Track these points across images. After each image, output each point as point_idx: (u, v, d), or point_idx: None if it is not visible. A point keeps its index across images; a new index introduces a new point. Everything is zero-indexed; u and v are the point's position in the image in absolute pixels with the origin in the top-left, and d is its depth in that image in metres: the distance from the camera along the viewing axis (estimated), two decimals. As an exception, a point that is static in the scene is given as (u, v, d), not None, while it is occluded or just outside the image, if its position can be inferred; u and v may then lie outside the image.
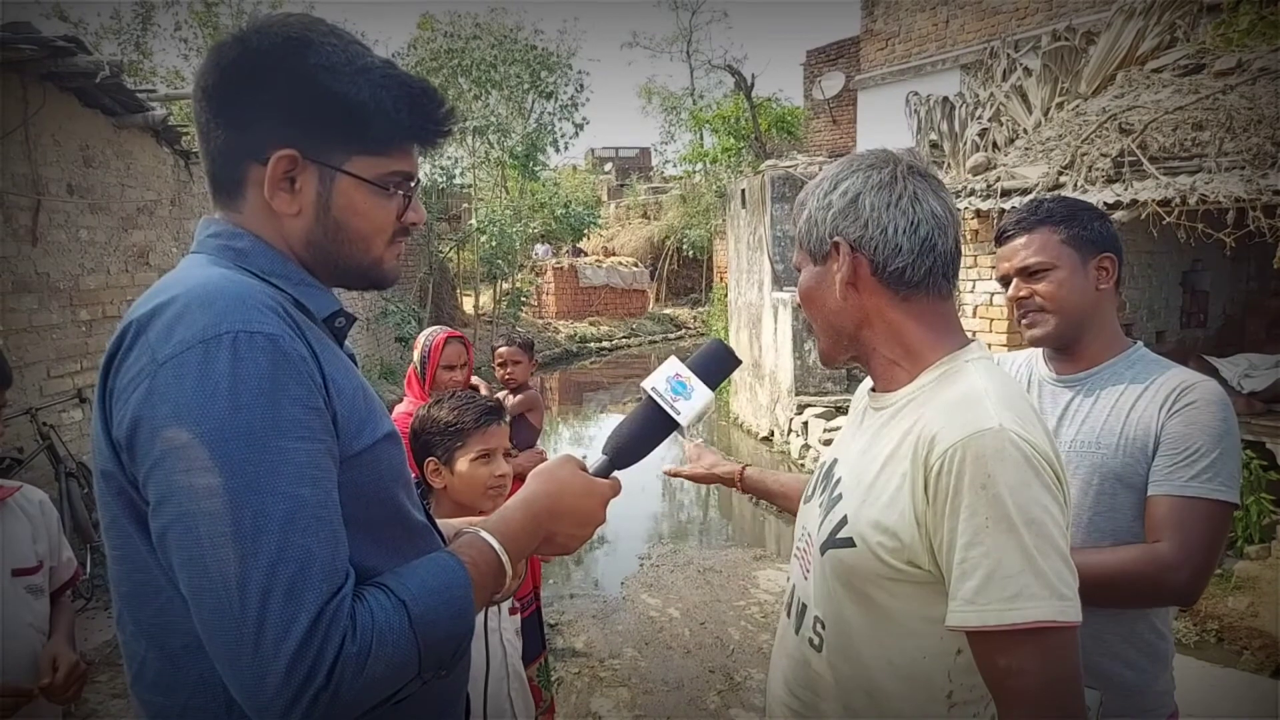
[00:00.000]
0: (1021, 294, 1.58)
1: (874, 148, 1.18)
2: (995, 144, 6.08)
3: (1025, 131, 6.08)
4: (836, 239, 1.10)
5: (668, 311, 22.02)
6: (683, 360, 1.15)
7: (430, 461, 1.90)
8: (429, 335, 3.15)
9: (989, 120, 6.19)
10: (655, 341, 19.40)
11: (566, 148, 16.98)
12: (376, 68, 0.94)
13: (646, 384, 1.13)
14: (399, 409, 3.00)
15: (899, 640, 1.06)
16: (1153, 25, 5.75)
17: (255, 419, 0.80)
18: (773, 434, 9.34)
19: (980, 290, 5.73)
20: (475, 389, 3.13)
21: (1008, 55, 6.47)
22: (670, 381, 1.11)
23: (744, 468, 1.81)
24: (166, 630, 0.89)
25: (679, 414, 1.10)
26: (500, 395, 3.49)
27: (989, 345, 4.98)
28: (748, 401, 10.38)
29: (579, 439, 11.07)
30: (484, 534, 0.98)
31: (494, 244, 14.38)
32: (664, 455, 1.41)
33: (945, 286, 1.12)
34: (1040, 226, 1.57)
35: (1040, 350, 1.66)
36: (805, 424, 8.24)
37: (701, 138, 22.75)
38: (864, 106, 13.07)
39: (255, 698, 0.77)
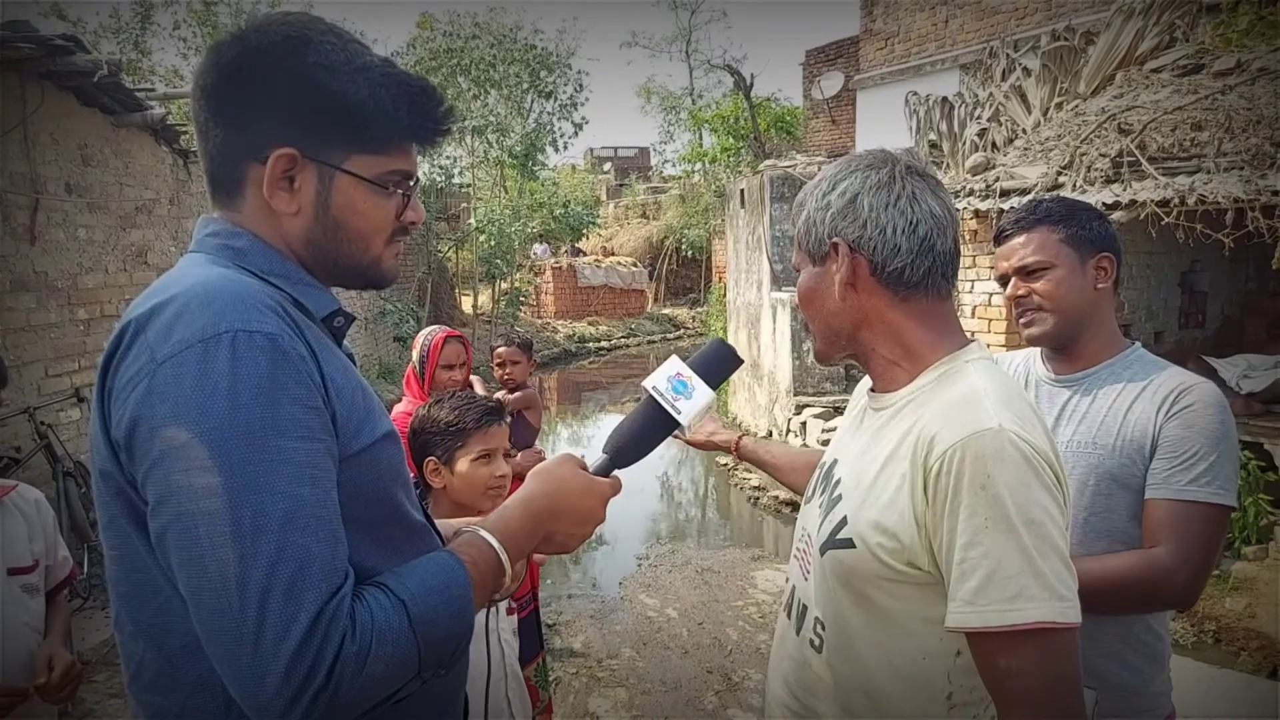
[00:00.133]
0: (1019, 293, 1.58)
1: (873, 148, 1.18)
2: (994, 144, 6.08)
3: (1024, 131, 6.08)
4: (835, 239, 1.10)
5: (666, 311, 22.00)
6: (684, 359, 1.14)
7: (430, 461, 1.90)
8: (428, 335, 3.15)
9: (988, 120, 6.19)
10: (654, 341, 19.38)
11: (565, 147, 17.00)
12: (375, 66, 0.94)
13: (647, 383, 1.12)
14: (398, 408, 3.00)
15: (899, 641, 1.06)
16: (1152, 25, 5.75)
17: (254, 418, 0.80)
18: (771, 434, 9.34)
19: (979, 290, 5.73)
20: (470, 388, 3.12)
21: (1007, 55, 6.47)
22: (671, 381, 1.11)
23: (740, 437, 1.87)
24: (165, 631, 0.88)
25: (680, 413, 1.10)
26: (499, 396, 3.48)
27: (987, 346, 4.98)
28: (746, 402, 10.38)
29: (577, 439, 11.07)
30: (483, 533, 0.97)
31: (493, 243, 14.37)
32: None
33: (944, 287, 1.12)
34: (1039, 226, 1.57)
35: (1038, 350, 1.66)
36: (804, 424, 8.24)
37: (700, 137, 22.75)
38: (863, 106, 13.08)
39: (254, 698, 0.77)
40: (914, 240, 1.07)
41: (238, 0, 13.29)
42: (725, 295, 12.67)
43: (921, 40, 11.84)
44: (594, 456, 1.13)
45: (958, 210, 1.39)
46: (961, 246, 1.18)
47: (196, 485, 0.78)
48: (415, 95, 0.95)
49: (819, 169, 6.38)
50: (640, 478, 7.49)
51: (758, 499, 7.30)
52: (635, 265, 22.17)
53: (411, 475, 1.10)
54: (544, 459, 1.23)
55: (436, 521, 1.13)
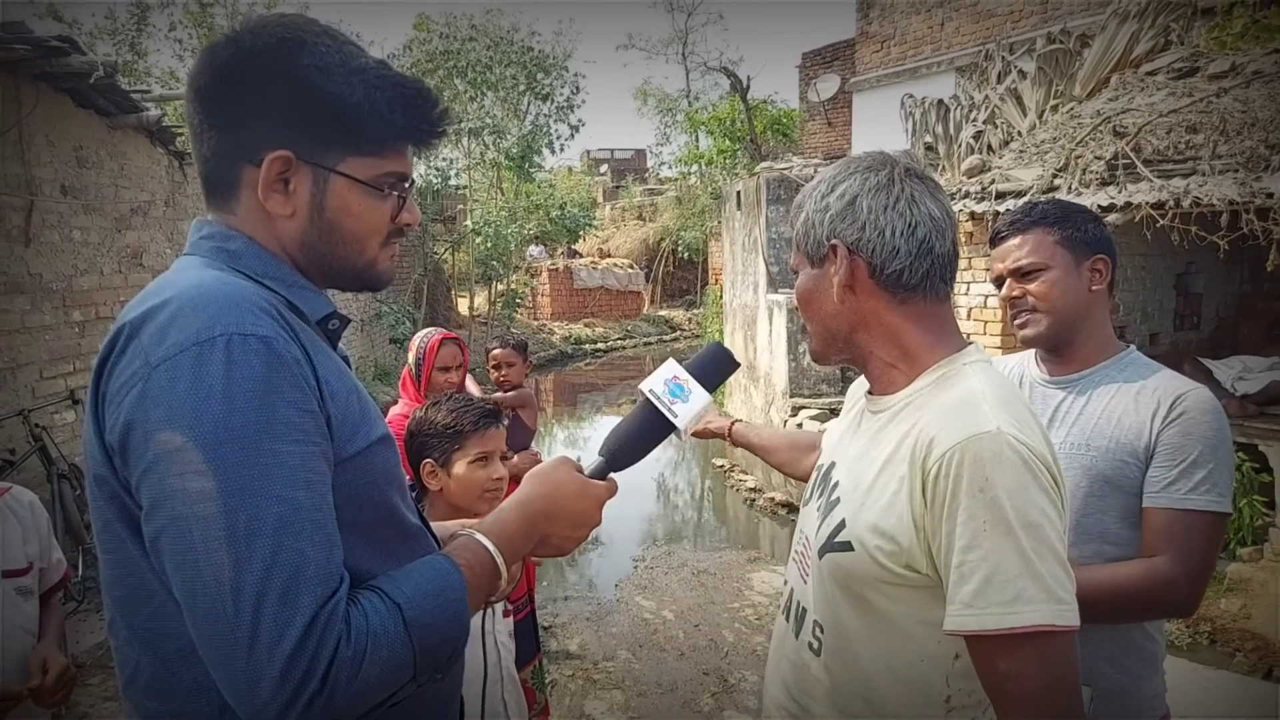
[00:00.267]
0: (1014, 294, 1.59)
1: (870, 150, 1.18)
2: (990, 146, 6.08)
3: (1020, 134, 6.08)
4: (834, 241, 1.10)
5: (663, 313, 21.99)
6: (681, 362, 1.14)
7: (426, 463, 1.89)
8: (424, 337, 3.15)
9: (984, 123, 6.20)
10: (650, 343, 19.37)
11: (562, 149, 16.99)
12: (371, 68, 0.94)
13: (644, 386, 1.12)
14: (394, 410, 2.99)
15: (897, 644, 1.06)
16: (1147, 28, 5.76)
17: (249, 422, 0.79)
18: (768, 435, 9.34)
19: (974, 293, 5.74)
20: (464, 390, 3.12)
21: (1002, 58, 6.48)
22: (668, 384, 1.11)
23: (733, 423, 1.92)
24: (160, 635, 0.88)
25: (676, 417, 1.09)
26: (495, 397, 3.48)
27: (983, 348, 4.98)
28: (742, 404, 10.39)
29: (574, 441, 11.05)
30: (479, 536, 0.97)
31: (489, 245, 14.36)
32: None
33: (943, 289, 1.12)
34: (1034, 227, 1.57)
35: (1033, 352, 1.67)
36: (800, 426, 8.25)
37: (697, 140, 22.75)
38: (859, 109, 13.10)
39: (249, 702, 0.76)
40: (913, 242, 1.07)
41: (233, 2, 13.29)
42: (721, 297, 12.68)
43: (917, 43, 11.86)
44: (590, 459, 1.12)
45: (955, 213, 1.39)
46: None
47: (191, 489, 0.78)
48: (410, 97, 0.95)
49: (815, 171, 6.38)
50: (636, 479, 7.49)
51: (754, 501, 7.30)
52: (632, 267, 22.16)
53: (407, 478, 1.09)
54: (540, 461, 1.23)
55: (432, 524, 1.12)
